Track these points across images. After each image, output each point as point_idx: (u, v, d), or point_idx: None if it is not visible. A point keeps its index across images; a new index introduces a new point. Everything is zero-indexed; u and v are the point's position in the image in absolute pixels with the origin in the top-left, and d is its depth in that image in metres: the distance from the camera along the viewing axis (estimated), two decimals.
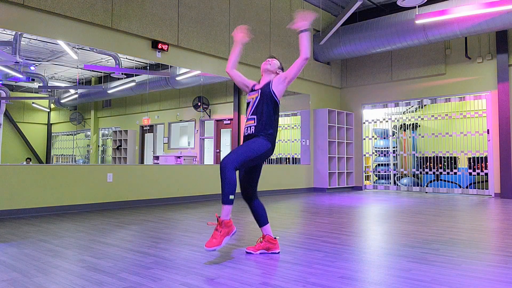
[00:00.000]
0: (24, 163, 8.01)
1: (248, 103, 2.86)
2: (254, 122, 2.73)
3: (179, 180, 6.35)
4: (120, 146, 9.24)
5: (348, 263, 2.49)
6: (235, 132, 9.13)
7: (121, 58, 6.64)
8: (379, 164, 9.75)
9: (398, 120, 9.47)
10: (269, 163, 9.09)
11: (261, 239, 2.79)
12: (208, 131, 9.77)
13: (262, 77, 2.97)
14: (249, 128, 2.75)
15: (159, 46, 6.00)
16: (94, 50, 5.89)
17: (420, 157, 9.03)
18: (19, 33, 5.54)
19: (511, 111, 7.56)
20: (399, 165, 9.53)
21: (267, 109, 2.74)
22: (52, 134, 8.76)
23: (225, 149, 9.55)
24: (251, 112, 2.77)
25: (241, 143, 2.76)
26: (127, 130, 9.23)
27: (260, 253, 2.76)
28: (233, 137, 9.23)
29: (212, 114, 9.62)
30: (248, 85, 2.97)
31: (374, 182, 9.85)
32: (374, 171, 9.86)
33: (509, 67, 7.61)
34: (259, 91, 2.81)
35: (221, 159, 2.62)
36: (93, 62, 7.57)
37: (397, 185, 9.37)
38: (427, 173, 8.90)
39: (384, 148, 9.63)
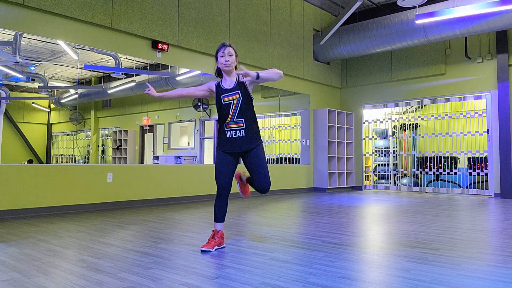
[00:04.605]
0: (26, 163, 8.00)
1: (226, 105, 2.79)
2: (243, 125, 2.76)
3: (179, 180, 6.35)
4: (120, 146, 9.24)
5: (348, 263, 2.49)
6: None
7: (121, 58, 6.64)
8: (379, 164, 9.75)
9: (398, 120, 9.47)
10: (269, 163, 9.09)
11: (215, 235, 2.86)
12: (208, 131, 9.77)
13: (224, 72, 2.83)
14: (238, 131, 2.77)
15: (159, 46, 6.00)
16: (94, 50, 5.89)
17: (420, 157, 9.03)
18: (19, 33, 5.53)
19: (511, 111, 7.56)
20: (399, 165, 9.53)
21: (252, 111, 2.82)
22: (52, 134, 8.76)
23: None
24: (235, 115, 2.76)
25: (225, 145, 2.81)
26: (127, 130, 9.23)
27: (216, 250, 2.85)
28: None
29: (212, 114, 9.62)
30: (207, 89, 2.90)
31: (374, 182, 9.84)
32: (374, 171, 9.85)
33: (509, 67, 7.61)
34: (239, 92, 2.77)
35: (267, 182, 2.77)
36: (93, 62, 7.56)
37: (397, 185, 9.36)
38: (427, 173, 8.90)
39: (384, 148, 9.63)
